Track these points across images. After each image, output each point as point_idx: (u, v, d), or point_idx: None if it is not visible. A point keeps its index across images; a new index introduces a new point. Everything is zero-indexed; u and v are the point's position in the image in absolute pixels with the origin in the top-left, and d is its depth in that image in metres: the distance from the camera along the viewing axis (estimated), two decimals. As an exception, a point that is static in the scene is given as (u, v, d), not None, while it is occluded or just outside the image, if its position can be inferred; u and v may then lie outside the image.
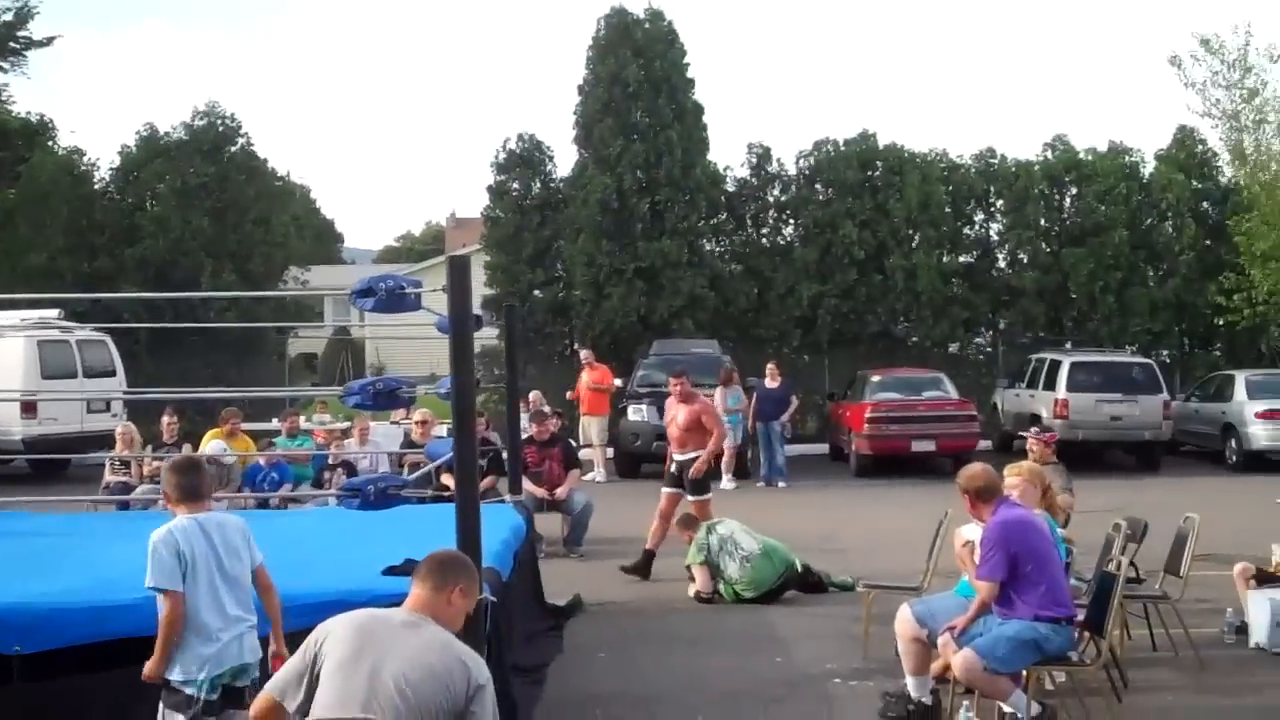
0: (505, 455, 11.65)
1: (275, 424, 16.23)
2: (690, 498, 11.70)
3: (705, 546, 10.67)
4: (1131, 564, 8.75)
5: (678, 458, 11.94)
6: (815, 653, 8.75)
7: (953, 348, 27.60)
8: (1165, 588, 8.69)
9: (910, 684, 7.11)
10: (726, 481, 18.57)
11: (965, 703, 6.80)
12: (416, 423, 15.23)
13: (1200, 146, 27.97)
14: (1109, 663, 7.66)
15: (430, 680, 4.02)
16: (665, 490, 12.02)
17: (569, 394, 21.46)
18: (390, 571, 6.33)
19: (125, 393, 20.52)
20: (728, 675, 8.18)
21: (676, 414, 12.05)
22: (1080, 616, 7.16)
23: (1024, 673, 6.66)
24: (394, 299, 6.24)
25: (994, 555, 6.60)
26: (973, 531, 7.84)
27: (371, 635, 4.15)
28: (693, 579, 10.78)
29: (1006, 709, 6.67)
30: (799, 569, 10.81)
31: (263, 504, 12.65)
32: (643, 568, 11.71)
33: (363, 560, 6.82)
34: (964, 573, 7.71)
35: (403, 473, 12.32)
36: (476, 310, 8.71)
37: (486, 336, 21.48)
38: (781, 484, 19.22)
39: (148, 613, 5.80)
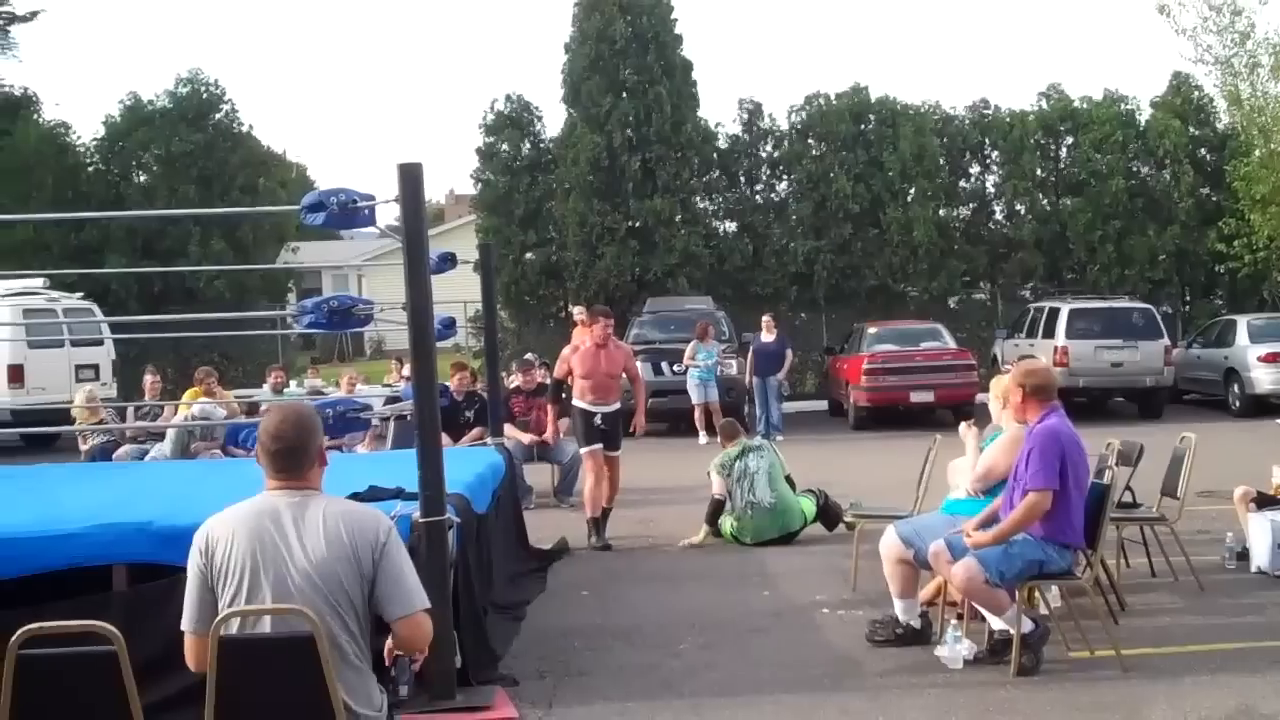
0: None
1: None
2: (607, 452, 10.48)
3: (728, 468, 10.21)
4: (1128, 488, 8.52)
5: (604, 410, 10.49)
6: (804, 586, 8.52)
7: (951, 301, 27.25)
8: (1163, 511, 8.43)
9: (898, 607, 6.86)
10: (704, 438, 18.29)
11: (953, 623, 6.58)
12: (404, 377, 15.05)
13: (1196, 93, 27.49)
14: (1104, 585, 7.44)
15: (334, 558, 3.76)
16: (592, 449, 10.48)
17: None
18: (355, 498, 6.08)
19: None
20: (712, 608, 7.96)
21: (600, 360, 10.50)
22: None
23: (1015, 590, 6.40)
24: (346, 213, 5.95)
25: (1051, 462, 6.16)
26: (964, 463, 7.60)
27: (262, 542, 3.78)
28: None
29: (997, 627, 6.43)
30: (808, 521, 10.40)
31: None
32: (599, 537, 10.39)
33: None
34: (953, 490, 7.49)
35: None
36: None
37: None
38: (779, 439, 18.93)
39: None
